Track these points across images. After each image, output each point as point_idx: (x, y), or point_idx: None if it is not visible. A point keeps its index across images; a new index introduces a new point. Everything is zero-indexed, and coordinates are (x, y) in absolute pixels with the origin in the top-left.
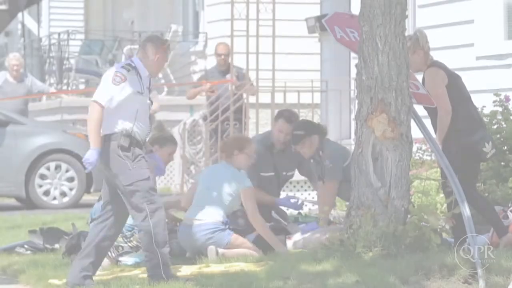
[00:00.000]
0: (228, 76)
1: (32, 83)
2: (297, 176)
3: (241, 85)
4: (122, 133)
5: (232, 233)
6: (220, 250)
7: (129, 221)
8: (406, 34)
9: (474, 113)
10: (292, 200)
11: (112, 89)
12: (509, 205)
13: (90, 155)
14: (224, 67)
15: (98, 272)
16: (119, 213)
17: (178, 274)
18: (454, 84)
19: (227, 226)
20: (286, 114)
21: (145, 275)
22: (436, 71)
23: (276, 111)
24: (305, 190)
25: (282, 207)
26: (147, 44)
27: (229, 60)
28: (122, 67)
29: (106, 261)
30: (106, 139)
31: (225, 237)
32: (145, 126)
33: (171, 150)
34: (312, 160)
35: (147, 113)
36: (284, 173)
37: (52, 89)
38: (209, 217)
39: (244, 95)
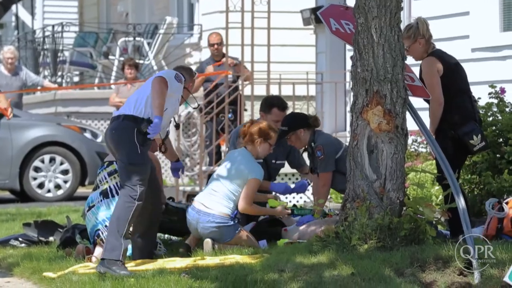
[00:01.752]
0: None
1: (27, 76)
2: (287, 168)
3: (239, 71)
4: (145, 119)
5: (239, 229)
6: (217, 245)
7: None
8: (402, 25)
9: (468, 106)
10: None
11: (173, 82)
12: (504, 197)
13: (159, 123)
14: (219, 57)
15: (92, 265)
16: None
17: (173, 266)
18: (450, 75)
19: (235, 222)
20: (277, 102)
21: (139, 268)
22: (432, 61)
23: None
24: (293, 183)
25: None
26: (182, 72)
27: (223, 49)
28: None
29: (100, 253)
30: (128, 118)
31: (229, 234)
32: (163, 127)
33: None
34: (306, 152)
35: (169, 120)
36: (273, 161)
37: (46, 82)
38: (217, 208)
39: (240, 87)
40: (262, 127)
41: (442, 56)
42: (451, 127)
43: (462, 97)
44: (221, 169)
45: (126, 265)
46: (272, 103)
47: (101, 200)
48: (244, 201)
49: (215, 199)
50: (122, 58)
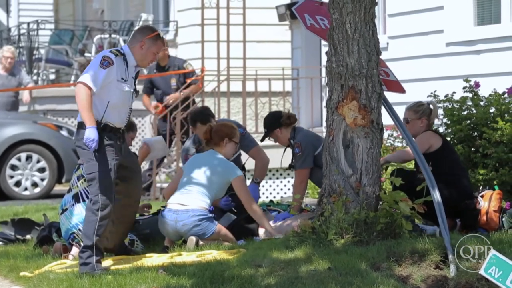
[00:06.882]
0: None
1: (22, 76)
2: (275, 164)
3: (187, 82)
4: (98, 121)
5: (217, 223)
6: (200, 242)
7: None
8: (376, 20)
9: (466, 182)
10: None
11: (99, 73)
12: (480, 190)
13: (90, 133)
14: (165, 62)
15: (69, 262)
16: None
17: (150, 263)
18: (448, 148)
19: (213, 216)
20: (199, 118)
21: (117, 266)
22: (430, 135)
23: (247, 99)
24: (285, 178)
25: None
26: (136, 32)
27: (169, 53)
28: (111, 51)
29: (76, 252)
30: (80, 125)
31: (211, 227)
32: (121, 114)
33: (133, 135)
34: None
35: (127, 101)
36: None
37: (31, 84)
38: (195, 203)
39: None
40: (226, 126)
41: (439, 133)
42: (455, 199)
43: (463, 172)
44: (193, 173)
45: (104, 261)
46: (195, 119)
47: (73, 204)
48: (249, 201)
49: (192, 196)
50: None
